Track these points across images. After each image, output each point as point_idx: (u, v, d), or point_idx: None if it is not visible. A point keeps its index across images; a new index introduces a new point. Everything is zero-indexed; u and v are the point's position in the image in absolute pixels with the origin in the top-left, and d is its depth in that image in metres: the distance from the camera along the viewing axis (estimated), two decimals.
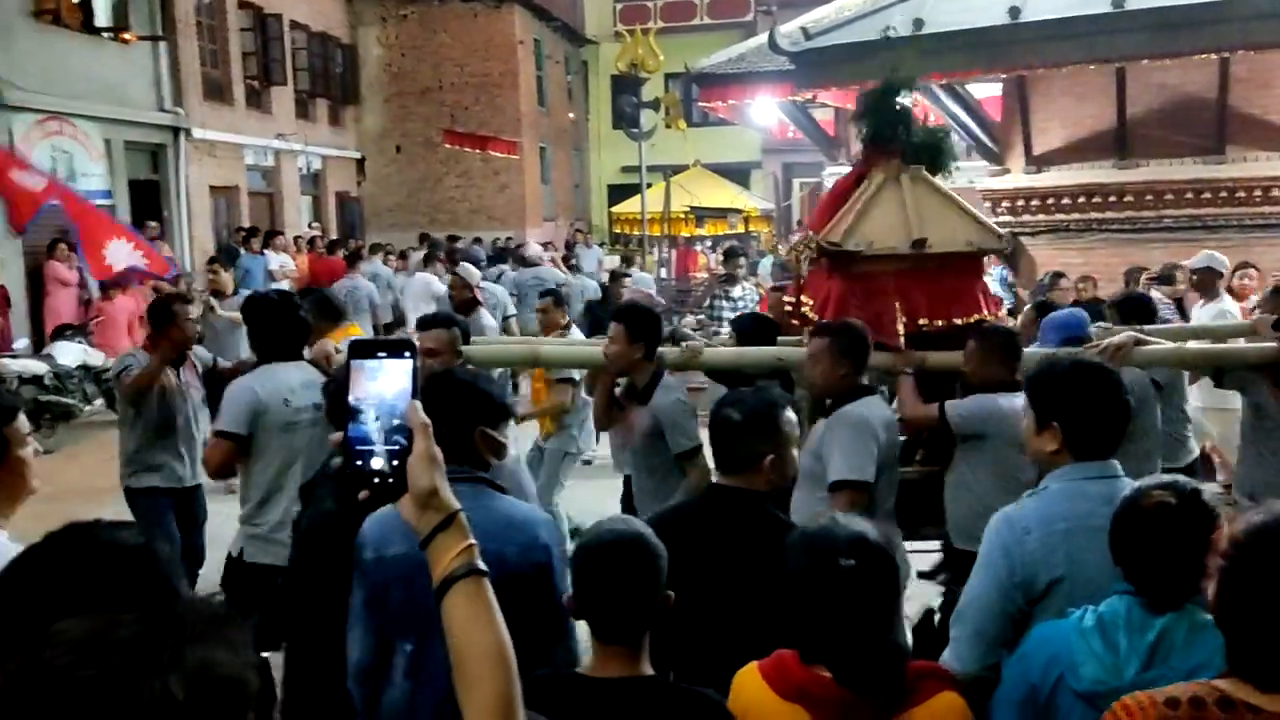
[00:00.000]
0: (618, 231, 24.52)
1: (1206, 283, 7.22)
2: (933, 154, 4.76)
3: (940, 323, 4.37)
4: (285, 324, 4.28)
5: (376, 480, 1.37)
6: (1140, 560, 2.02)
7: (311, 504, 3.38)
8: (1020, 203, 10.86)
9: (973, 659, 2.34)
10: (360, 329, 5.32)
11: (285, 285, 14.71)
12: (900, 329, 4.34)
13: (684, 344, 4.63)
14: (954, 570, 4.08)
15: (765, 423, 2.70)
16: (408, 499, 1.37)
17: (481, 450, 2.71)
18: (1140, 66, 9.54)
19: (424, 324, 4.58)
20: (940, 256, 4.46)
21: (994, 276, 10.78)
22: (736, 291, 10.01)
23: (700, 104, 16.55)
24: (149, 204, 15.54)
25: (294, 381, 4.14)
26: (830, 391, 3.85)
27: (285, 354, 4.23)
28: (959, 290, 4.51)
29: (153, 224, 14.77)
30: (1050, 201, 10.62)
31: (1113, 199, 10.30)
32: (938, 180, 4.67)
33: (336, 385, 3.67)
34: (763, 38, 12.65)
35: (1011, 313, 9.11)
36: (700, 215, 21.51)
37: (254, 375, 4.25)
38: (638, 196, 19.05)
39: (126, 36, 14.42)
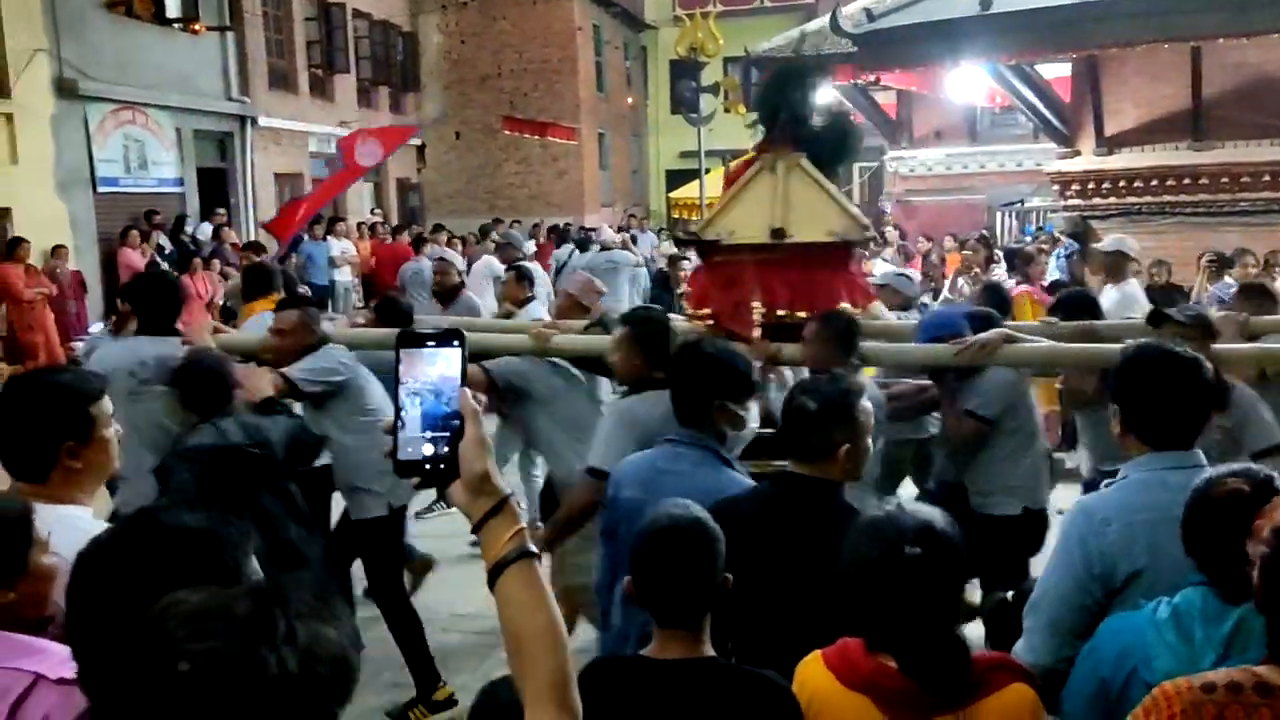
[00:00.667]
0: (676, 217, 24.45)
1: (1116, 266, 7.28)
2: (834, 144, 4.67)
3: (801, 314, 4.27)
4: (155, 300, 4.37)
5: (428, 467, 1.38)
6: (1214, 550, 1.96)
7: (168, 486, 3.45)
8: (1090, 185, 10.65)
9: (1047, 651, 2.29)
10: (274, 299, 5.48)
11: (347, 271, 14.93)
12: (757, 319, 4.31)
13: (533, 330, 4.66)
14: None
15: (841, 411, 2.65)
16: (460, 485, 1.38)
17: (718, 422, 2.80)
18: (1216, 45, 9.31)
19: (279, 305, 4.75)
20: (801, 247, 4.40)
21: (1057, 257, 10.62)
22: None
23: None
24: (216, 191, 15.83)
25: (147, 354, 4.17)
26: (626, 380, 3.87)
27: (153, 329, 4.30)
28: (820, 281, 4.43)
29: (220, 211, 15.06)
30: (1121, 184, 10.40)
31: (1187, 182, 10.07)
32: (812, 169, 4.53)
33: (190, 365, 3.86)
34: (824, 20, 12.51)
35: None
36: None
37: (108, 344, 4.46)
38: (696, 182, 18.97)
39: (196, 27, 14.68)
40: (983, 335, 4.10)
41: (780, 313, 4.36)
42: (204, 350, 4.12)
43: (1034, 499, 4.34)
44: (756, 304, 4.35)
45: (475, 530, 1.39)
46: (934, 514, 1.99)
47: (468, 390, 1.40)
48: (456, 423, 1.38)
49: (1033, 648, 2.31)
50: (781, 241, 4.40)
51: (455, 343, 1.41)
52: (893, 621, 1.90)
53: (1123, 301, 6.58)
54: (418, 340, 1.42)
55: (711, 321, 4.46)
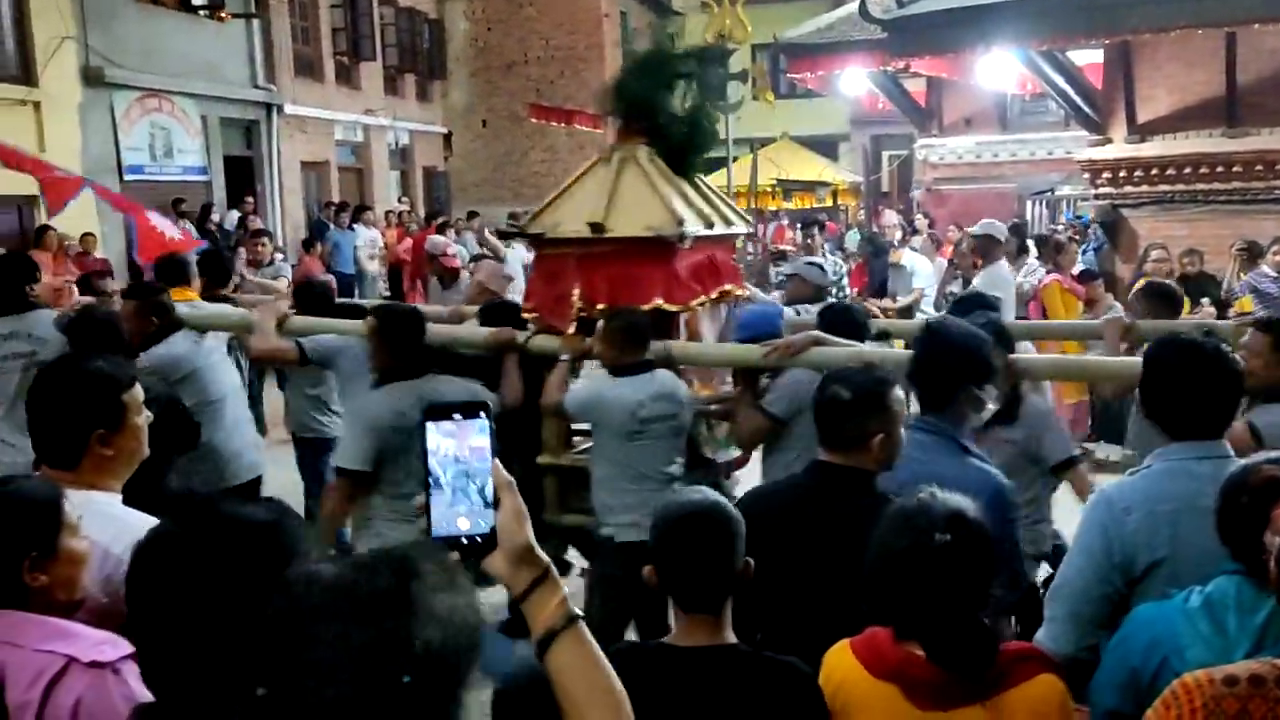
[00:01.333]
0: None
1: (986, 249, 7.67)
2: (683, 138, 4.67)
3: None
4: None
5: (466, 542, 1.37)
6: (1249, 538, 1.92)
7: None
8: (1122, 173, 10.48)
9: (1068, 641, 2.28)
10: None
11: (375, 260, 14.95)
12: (573, 314, 4.38)
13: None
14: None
15: (875, 400, 2.65)
16: (500, 557, 1.37)
17: (962, 407, 2.84)
18: (1251, 30, 9.13)
19: (123, 294, 5.20)
20: (619, 241, 4.41)
21: (1084, 250, 10.48)
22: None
23: (789, 75, 16.33)
24: (243, 179, 15.91)
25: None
26: (375, 372, 4.02)
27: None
28: (638, 276, 4.41)
29: (248, 199, 15.13)
30: (1154, 172, 10.24)
31: (1220, 169, 9.90)
32: (649, 163, 4.58)
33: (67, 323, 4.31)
34: (853, 6, 12.41)
35: (1107, 284, 8.84)
36: (787, 188, 21.24)
37: None
38: (724, 170, 18.89)
39: (222, 14, 14.74)
40: (792, 337, 4.11)
41: (600, 307, 4.36)
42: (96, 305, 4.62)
43: None
44: (576, 298, 4.40)
45: (520, 601, 1.37)
46: (964, 502, 1.99)
47: (498, 462, 1.39)
48: (491, 494, 1.38)
49: (1054, 636, 2.30)
50: (600, 236, 4.41)
51: (481, 413, 1.41)
52: (921, 610, 1.90)
53: (989, 283, 6.79)
54: (444, 412, 1.42)
55: (536, 315, 4.54)
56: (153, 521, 2.22)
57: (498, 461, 1.39)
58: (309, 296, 5.46)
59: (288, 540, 1.43)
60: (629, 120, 4.75)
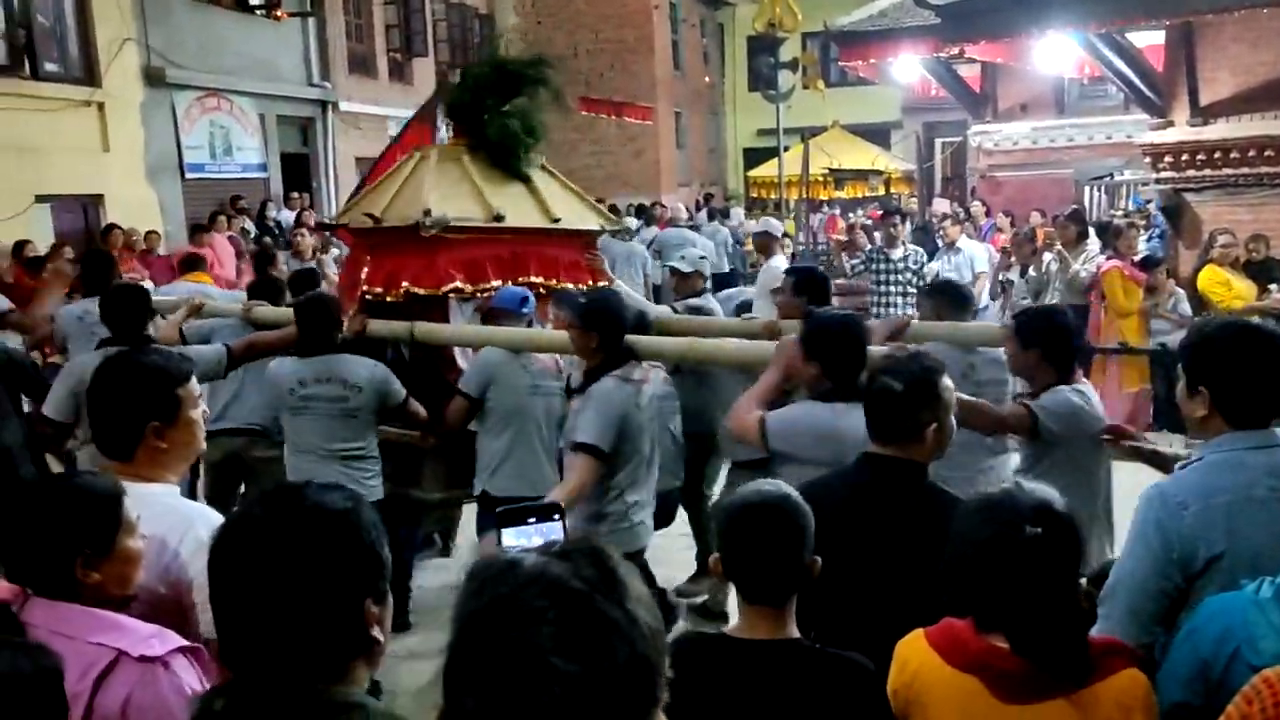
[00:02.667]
0: (754, 196, 24.25)
1: (763, 245, 8.18)
2: (504, 148, 5.22)
3: (396, 291, 4.81)
4: None
5: None
6: None
7: None
8: (1184, 157, 10.26)
9: (1125, 637, 2.22)
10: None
11: None
12: (360, 295, 4.88)
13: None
14: None
15: (927, 390, 2.62)
16: None
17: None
18: None
19: None
20: (395, 230, 4.90)
21: (1147, 236, 10.29)
22: (897, 254, 8.79)
23: (840, 63, 16.18)
24: (299, 175, 16.14)
25: None
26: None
27: None
28: (409, 262, 4.87)
29: (304, 194, 15.34)
30: (1218, 155, 10.00)
31: None
32: (456, 160, 5.16)
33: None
34: None
35: (1168, 271, 8.68)
36: (839, 178, 21.09)
37: None
38: (775, 160, 18.79)
39: (278, 13, 14.93)
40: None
41: (377, 289, 4.88)
42: None
43: (494, 483, 4.50)
44: (364, 283, 4.92)
45: None
46: (1050, 493, 1.96)
47: None
48: None
49: (1111, 633, 2.25)
50: (377, 226, 4.93)
51: (556, 516, 1.43)
52: (1011, 603, 1.88)
53: (768, 279, 7.03)
54: (519, 517, 1.44)
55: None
56: (209, 513, 2.28)
57: None
58: (265, 287, 5.90)
59: (364, 529, 1.45)
60: (457, 123, 5.47)
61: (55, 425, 4.56)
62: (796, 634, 2.18)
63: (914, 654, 2.01)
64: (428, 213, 4.76)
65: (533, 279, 5.08)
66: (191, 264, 8.15)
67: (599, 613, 1.00)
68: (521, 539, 1.40)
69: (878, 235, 11.09)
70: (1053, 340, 3.63)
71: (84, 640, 1.79)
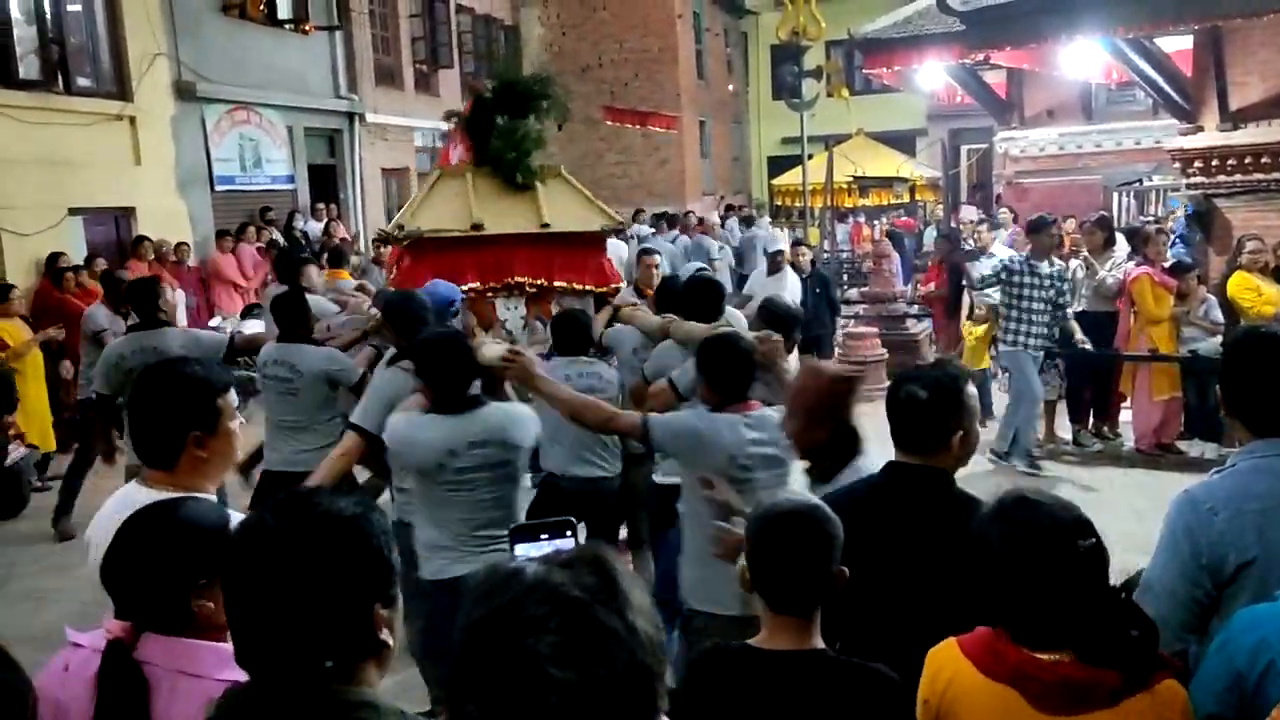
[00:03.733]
0: (779, 204, 24.23)
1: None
2: (500, 161, 5.91)
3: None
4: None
5: None
6: None
7: None
8: (1214, 162, 10.17)
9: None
10: None
11: None
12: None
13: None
14: None
15: (953, 398, 2.59)
16: None
17: None
18: None
19: None
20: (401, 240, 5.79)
21: (1173, 240, 10.19)
22: (1046, 268, 8.02)
23: (864, 71, 16.13)
24: (326, 186, 16.26)
25: None
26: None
27: None
28: (416, 268, 5.69)
29: (331, 205, 15.46)
30: (1248, 160, 9.90)
31: None
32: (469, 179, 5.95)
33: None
34: None
35: (1199, 277, 8.60)
36: (864, 185, 21.04)
37: None
38: (799, 168, 18.77)
39: (306, 27, 15.06)
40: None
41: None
42: None
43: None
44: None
45: None
46: (1067, 501, 1.97)
47: None
48: None
49: None
50: (391, 237, 5.94)
51: (569, 533, 1.44)
52: (1076, 615, 1.87)
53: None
54: (532, 533, 1.45)
55: None
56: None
57: None
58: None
59: (374, 534, 1.48)
60: (469, 139, 6.07)
61: (103, 399, 5.60)
62: (821, 644, 2.18)
63: (947, 663, 2.00)
64: (400, 226, 5.69)
65: (517, 279, 5.74)
66: (336, 259, 8.98)
67: (598, 621, 1.01)
68: (532, 554, 1.41)
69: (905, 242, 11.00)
70: (714, 367, 3.54)
71: (212, 678, 1.74)
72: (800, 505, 2.21)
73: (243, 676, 1.72)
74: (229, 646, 1.78)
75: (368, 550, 1.45)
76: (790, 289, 9.71)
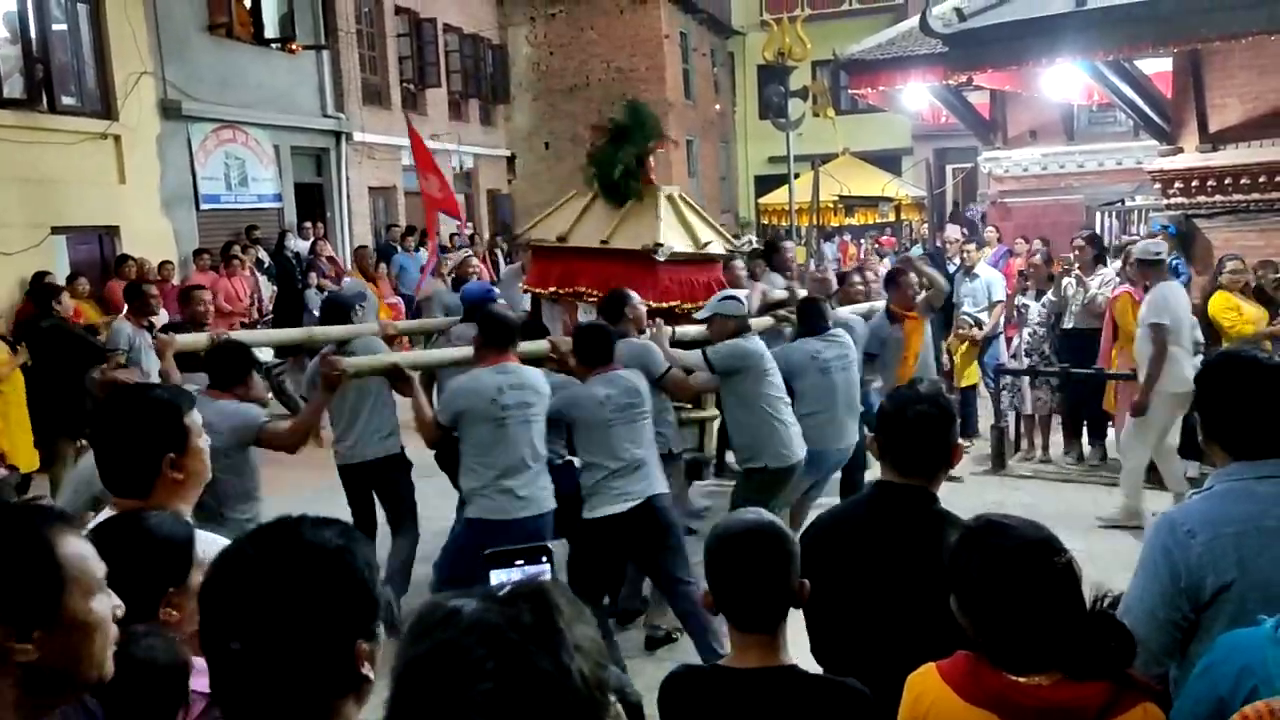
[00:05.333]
0: (766, 223, 24.31)
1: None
2: (605, 185, 6.74)
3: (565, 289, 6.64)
4: None
5: None
6: None
7: None
8: (1194, 183, 10.28)
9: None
10: None
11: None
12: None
13: None
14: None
15: (952, 417, 2.68)
16: None
17: None
18: None
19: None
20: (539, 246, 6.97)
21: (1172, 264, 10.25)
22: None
23: (850, 91, 16.25)
24: (313, 205, 16.24)
25: None
26: None
27: None
28: (540, 268, 7.02)
29: (318, 224, 15.44)
30: (1228, 181, 10.02)
31: None
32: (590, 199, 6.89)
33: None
34: (914, 21, 12.34)
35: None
36: (850, 204, 21.12)
37: None
38: (785, 187, 18.84)
39: (293, 47, 15.06)
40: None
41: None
42: None
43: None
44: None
45: None
46: (1033, 522, 1.99)
47: None
48: None
49: None
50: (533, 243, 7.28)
51: (544, 559, 1.46)
52: (1059, 631, 1.87)
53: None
54: (506, 560, 1.46)
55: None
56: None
57: None
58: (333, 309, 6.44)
59: (359, 566, 1.44)
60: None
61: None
62: (789, 660, 2.18)
63: (927, 688, 2.00)
64: (516, 236, 6.61)
65: (579, 288, 6.51)
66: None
67: (532, 665, 0.99)
68: (505, 580, 1.42)
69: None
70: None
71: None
72: (754, 523, 2.23)
73: (206, 687, 1.72)
74: (197, 659, 1.80)
75: (351, 583, 1.41)
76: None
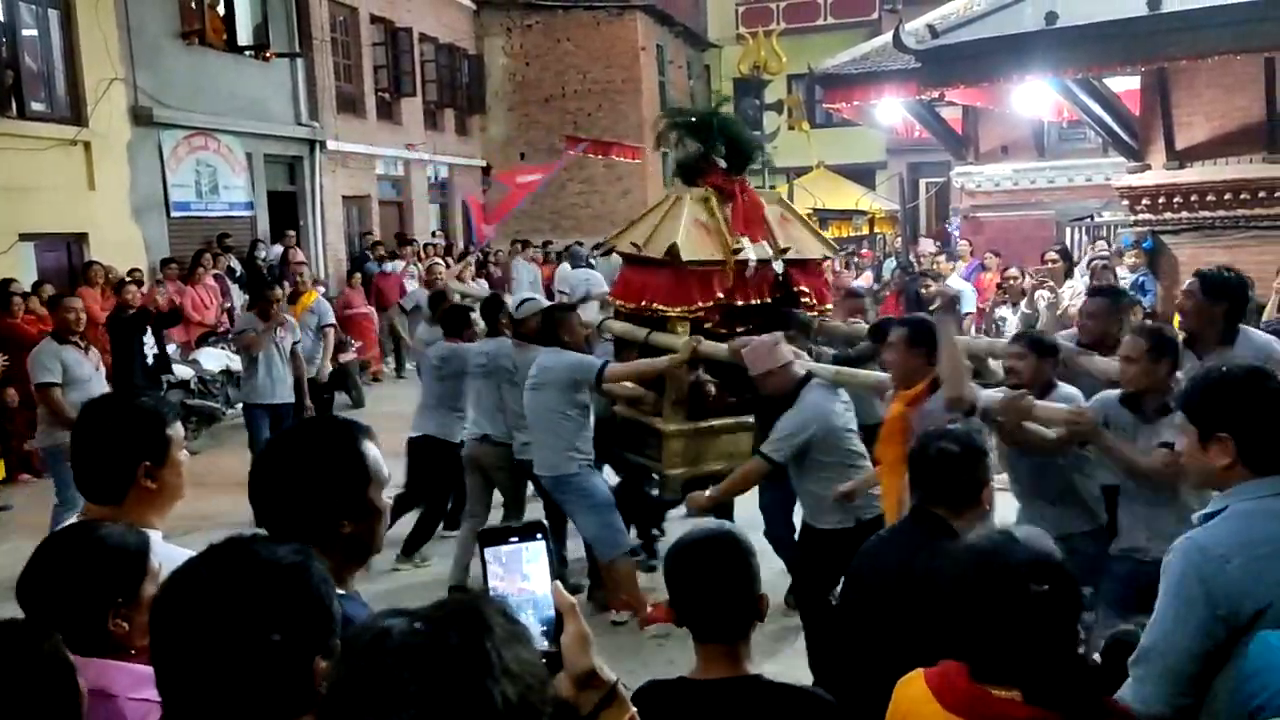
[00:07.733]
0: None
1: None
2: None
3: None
4: None
5: None
6: None
7: None
8: (1161, 200, 10.40)
9: (1159, 700, 2.13)
10: None
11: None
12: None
13: None
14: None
15: (982, 453, 2.80)
16: (565, 679, 1.37)
17: None
18: None
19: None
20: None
21: (1130, 279, 10.37)
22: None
23: (824, 105, 16.33)
24: (286, 214, 16.15)
25: None
26: None
27: None
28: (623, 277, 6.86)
29: (290, 232, 15.36)
30: (1194, 198, 10.14)
31: (1262, 194, 9.81)
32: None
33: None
34: (887, 36, 12.43)
35: (1149, 314, 8.74)
36: (824, 217, 21.23)
37: None
38: None
39: (267, 54, 15.00)
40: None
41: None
42: None
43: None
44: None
45: None
46: (1046, 543, 1.97)
47: (559, 584, 1.41)
48: (552, 616, 1.39)
49: (1144, 698, 2.14)
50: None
51: (538, 535, 1.43)
52: (1022, 655, 1.87)
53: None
54: (500, 537, 1.43)
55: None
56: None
57: (558, 583, 1.40)
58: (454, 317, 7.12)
59: (314, 582, 1.42)
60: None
61: None
62: (753, 670, 2.18)
63: (909, 694, 2.02)
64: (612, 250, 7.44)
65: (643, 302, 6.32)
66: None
67: (452, 690, 0.98)
68: (505, 559, 1.40)
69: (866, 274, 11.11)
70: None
71: (125, 697, 1.77)
72: (713, 532, 2.24)
73: (155, 697, 1.71)
74: (145, 668, 1.76)
75: (308, 600, 1.39)
76: None
